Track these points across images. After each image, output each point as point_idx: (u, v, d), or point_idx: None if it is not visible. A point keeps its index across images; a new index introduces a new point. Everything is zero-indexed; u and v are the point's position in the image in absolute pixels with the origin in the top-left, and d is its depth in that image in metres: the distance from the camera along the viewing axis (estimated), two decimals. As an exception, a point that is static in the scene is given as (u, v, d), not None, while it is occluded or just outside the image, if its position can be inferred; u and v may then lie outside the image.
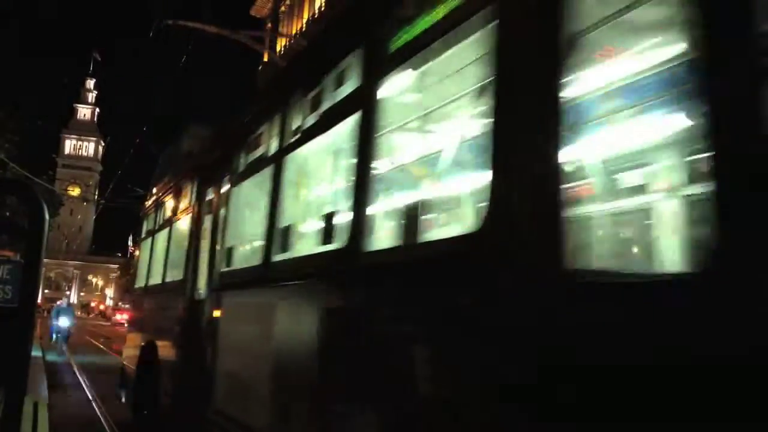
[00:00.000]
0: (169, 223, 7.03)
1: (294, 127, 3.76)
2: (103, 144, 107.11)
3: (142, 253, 8.81)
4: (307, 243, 4.00)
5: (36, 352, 13.08)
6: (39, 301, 8.31)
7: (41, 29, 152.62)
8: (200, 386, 4.75)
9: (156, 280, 7.37)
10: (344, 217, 3.13)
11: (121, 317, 60.26)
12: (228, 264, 4.74)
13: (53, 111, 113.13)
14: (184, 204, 6.52)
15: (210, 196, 5.55)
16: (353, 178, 2.83)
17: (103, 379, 12.82)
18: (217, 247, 4.99)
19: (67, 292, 55.37)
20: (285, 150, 3.78)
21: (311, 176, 4.25)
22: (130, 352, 8.16)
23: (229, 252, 4.78)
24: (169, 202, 7.20)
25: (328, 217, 3.66)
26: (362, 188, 2.75)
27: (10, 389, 2.09)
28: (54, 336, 20.76)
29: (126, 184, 35.10)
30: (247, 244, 4.87)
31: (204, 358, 4.74)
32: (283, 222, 3.81)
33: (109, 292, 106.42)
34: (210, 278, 4.99)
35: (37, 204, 2.19)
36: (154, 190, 8.48)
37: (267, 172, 3.97)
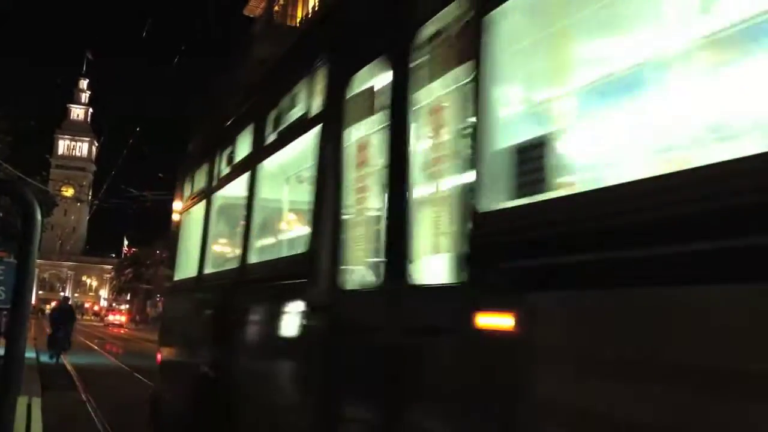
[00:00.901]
0: (249, 166, 4.19)
1: None
2: (96, 144, 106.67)
3: (185, 229, 6.01)
4: None
5: (30, 353, 13.03)
6: (33, 301, 8.23)
7: (34, 29, 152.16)
8: None
9: (223, 264, 4.78)
10: None
11: (114, 318, 61.00)
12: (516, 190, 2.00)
13: (46, 111, 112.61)
14: (286, 122, 3.72)
15: (369, 82, 2.83)
16: None
17: (97, 381, 12.81)
18: (415, 173, 2.43)
19: (62, 293, 54.87)
20: None
21: None
22: (169, 380, 5.66)
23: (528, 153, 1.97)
24: (246, 133, 4.37)
25: None
26: None
27: (4, 390, 2.08)
28: (51, 354, 15.68)
29: (120, 185, 34.97)
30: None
31: None
32: None
33: (103, 293, 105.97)
34: (397, 247, 2.43)
35: (31, 204, 2.18)
36: (205, 128, 6.03)
37: None
